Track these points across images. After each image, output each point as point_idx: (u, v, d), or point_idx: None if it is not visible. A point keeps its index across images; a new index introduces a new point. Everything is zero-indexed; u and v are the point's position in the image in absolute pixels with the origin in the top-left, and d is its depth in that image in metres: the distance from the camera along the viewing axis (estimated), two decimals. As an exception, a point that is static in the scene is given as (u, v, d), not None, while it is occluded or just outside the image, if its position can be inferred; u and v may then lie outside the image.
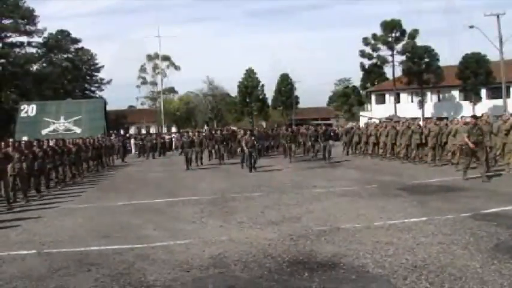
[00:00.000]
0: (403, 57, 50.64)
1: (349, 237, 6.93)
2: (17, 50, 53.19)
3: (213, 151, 23.14)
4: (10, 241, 7.78)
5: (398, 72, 51.98)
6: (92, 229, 8.43)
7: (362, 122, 46.28)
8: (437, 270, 5.24)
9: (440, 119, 22.06)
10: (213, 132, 26.00)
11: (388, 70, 55.45)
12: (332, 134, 30.09)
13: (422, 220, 7.92)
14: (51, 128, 34.17)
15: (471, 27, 35.78)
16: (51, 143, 15.35)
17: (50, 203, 11.79)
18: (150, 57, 65.57)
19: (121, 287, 5.19)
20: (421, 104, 50.71)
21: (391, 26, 50.76)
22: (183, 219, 9.02)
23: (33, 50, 55.72)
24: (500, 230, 6.99)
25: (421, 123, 20.38)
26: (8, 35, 51.71)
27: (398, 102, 53.99)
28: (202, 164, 20.99)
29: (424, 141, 17.49)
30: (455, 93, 52.67)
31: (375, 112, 56.28)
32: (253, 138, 18.00)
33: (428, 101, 54.27)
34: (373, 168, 16.88)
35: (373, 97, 62.04)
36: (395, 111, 49.75)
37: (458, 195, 10.40)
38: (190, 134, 22.99)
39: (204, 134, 24.30)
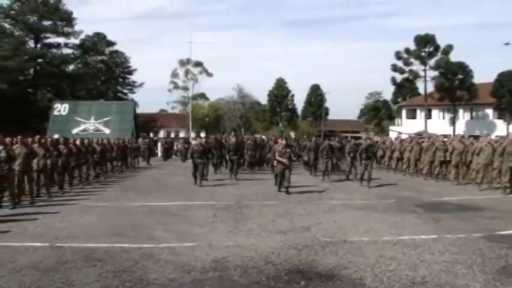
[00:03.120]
0: (436, 73, 49.98)
1: (354, 250, 6.93)
2: (54, 50, 54.77)
3: (223, 162, 20.75)
4: (27, 233, 8.08)
5: (431, 88, 51.36)
6: (105, 227, 8.67)
7: (392, 136, 45.73)
8: (435, 288, 5.21)
9: (474, 137, 21.40)
10: (221, 139, 22.73)
11: (420, 85, 54.82)
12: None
13: (432, 238, 7.85)
14: (82, 127, 34.99)
15: (507, 44, 35.14)
16: (77, 142, 15.74)
17: (70, 200, 12.14)
18: (182, 63, 66.65)
19: (121, 283, 5.35)
20: (453, 121, 49.78)
21: (425, 41, 50.14)
22: (194, 222, 9.17)
23: (70, 51, 57.36)
24: (511, 252, 6.87)
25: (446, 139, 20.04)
26: (47, 35, 53.30)
27: (430, 118, 53.21)
28: (207, 179, 16.85)
29: (448, 158, 17.24)
30: (489, 111, 51.44)
31: (405, 127, 55.43)
32: (288, 150, 13.91)
33: (461, 118, 53.16)
34: (394, 184, 16.69)
35: (403, 112, 61.32)
36: (426, 127, 48.97)
37: (475, 214, 10.24)
38: (195, 141, 18.22)
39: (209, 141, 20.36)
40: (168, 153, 32.68)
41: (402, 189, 14.85)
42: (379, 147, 23.46)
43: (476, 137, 21.05)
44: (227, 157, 19.40)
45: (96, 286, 5.23)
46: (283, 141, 14.52)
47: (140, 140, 30.48)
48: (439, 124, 50.77)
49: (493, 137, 20.08)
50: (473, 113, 54.24)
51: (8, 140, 11.95)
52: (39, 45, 53.02)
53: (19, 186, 11.46)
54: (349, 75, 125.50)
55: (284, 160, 13.43)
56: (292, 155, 14.33)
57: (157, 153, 34.08)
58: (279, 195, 13.15)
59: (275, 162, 14.32)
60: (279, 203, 11.82)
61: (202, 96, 73.54)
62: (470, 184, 16.07)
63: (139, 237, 7.83)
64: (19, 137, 12.20)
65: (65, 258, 6.37)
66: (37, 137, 13.42)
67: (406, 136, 33.46)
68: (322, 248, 7.09)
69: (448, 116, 52.66)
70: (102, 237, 7.72)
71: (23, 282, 5.35)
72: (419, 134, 40.59)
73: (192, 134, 46.42)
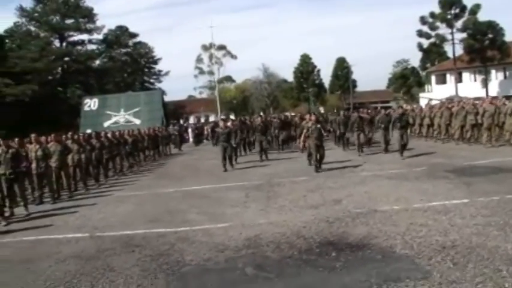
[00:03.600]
0: (464, 35, 48.51)
1: (384, 219, 6.99)
2: (79, 47, 55.80)
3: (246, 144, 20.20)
4: (68, 226, 8.46)
5: (460, 50, 49.94)
6: (141, 214, 8.98)
7: (422, 103, 44.84)
8: (466, 251, 5.25)
9: (507, 97, 20.64)
10: (245, 120, 22.79)
11: (448, 49, 53.33)
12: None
13: (464, 202, 7.81)
14: (113, 120, 35.69)
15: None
16: (109, 135, 16.14)
17: (107, 191, 12.57)
18: (205, 48, 66.87)
19: (159, 266, 5.60)
20: (485, 83, 48.40)
21: (450, 3, 48.59)
22: (226, 203, 9.38)
23: (94, 47, 58.32)
24: (545, 212, 6.80)
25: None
26: (71, 34, 54.26)
27: (460, 81, 51.86)
28: (236, 162, 16.10)
29: (479, 121, 16.89)
30: (524, 69, 49.88)
31: (436, 93, 54.22)
32: (318, 126, 13.23)
33: (493, 79, 51.60)
34: (426, 151, 16.46)
35: (433, 78, 59.91)
36: (456, 92, 47.79)
37: (507, 176, 10.06)
38: (221, 123, 16.71)
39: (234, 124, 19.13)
40: (198, 138, 33.05)
41: (433, 156, 14.68)
42: (408, 115, 23.17)
43: (510, 97, 20.51)
44: (254, 138, 18.99)
45: (135, 270, 5.49)
46: (313, 117, 13.80)
47: (170, 127, 30.93)
48: (470, 87, 49.40)
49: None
50: (507, 73, 52.54)
51: (43, 139, 12.40)
52: (64, 44, 54.06)
53: (57, 182, 11.91)
54: (375, 45, 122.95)
55: (313, 139, 12.81)
56: (323, 132, 13.60)
57: (188, 139, 34.50)
58: (310, 170, 13.17)
59: (301, 141, 13.74)
60: (309, 178, 11.90)
61: (229, 79, 73.82)
62: (504, 146, 15.74)
63: (174, 221, 8.08)
64: (53, 135, 12.63)
65: (105, 246, 6.67)
66: (70, 133, 13.86)
67: (437, 102, 32.83)
68: (353, 219, 7.17)
69: (479, 78, 51.22)
70: (139, 224, 8.01)
71: (68, 270, 5.66)
72: (450, 99, 39.74)
73: (223, 117, 46.69)
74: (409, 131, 18.11)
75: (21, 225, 8.84)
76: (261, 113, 56.16)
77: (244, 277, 5.04)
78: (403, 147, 14.64)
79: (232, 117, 60.01)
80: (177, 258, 5.84)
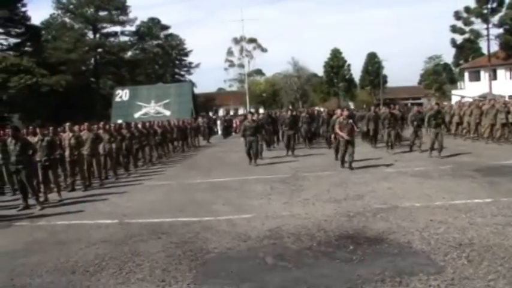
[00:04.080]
0: (500, 30, 47.32)
1: (405, 216, 7.09)
2: (112, 39, 56.93)
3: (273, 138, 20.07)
4: (98, 212, 8.85)
5: (495, 47, 48.77)
6: (168, 203, 9.30)
7: (454, 100, 44.06)
8: (482, 249, 5.33)
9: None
10: (272, 114, 22.60)
11: (483, 45, 52.16)
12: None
13: (486, 201, 7.82)
14: (143, 111, 36.37)
15: None
16: (139, 126, 16.58)
17: (136, 180, 12.98)
18: (236, 40, 67.29)
19: (183, 252, 5.87)
20: (521, 80, 47.20)
21: (487, -3, 47.45)
22: (252, 195, 9.60)
23: (126, 39, 59.42)
24: None
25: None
26: (104, 25, 55.37)
27: (495, 79, 50.68)
28: (262, 158, 15.77)
29: (511, 120, 16.64)
30: None
31: (468, 90, 53.11)
32: (350, 121, 12.69)
33: (530, 76, 50.34)
34: (453, 149, 16.30)
35: (466, 74, 58.68)
36: (490, 89, 46.75)
37: (535, 177, 9.99)
38: (249, 116, 15.79)
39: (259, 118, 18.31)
40: (227, 130, 33.39)
41: (461, 155, 14.54)
42: (445, 112, 22.85)
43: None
44: (281, 132, 18.80)
45: (160, 255, 5.77)
46: (345, 113, 13.01)
47: (200, 119, 31.36)
48: (505, 85, 48.24)
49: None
50: (545, 71, 51.15)
51: (75, 127, 12.88)
52: (97, 36, 55.22)
53: (89, 170, 12.38)
54: (407, 40, 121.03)
55: (344, 134, 12.29)
56: (355, 127, 12.98)
57: (217, 132, 34.89)
58: (335, 165, 13.23)
59: (333, 136, 13.54)
60: (335, 173, 12.01)
61: (259, 72, 74.15)
62: (535, 145, 15.50)
63: (199, 211, 8.35)
64: (86, 124, 13.10)
65: (133, 232, 6.99)
66: (101, 123, 14.32)
67: (469, 100, 32.24)
68: (373, 214, 7.30)
69: (515, 75, 50.02)
70: (166, 213, 8.32)
71: (97, 254, 6.00)
72: (483, 97, 38.95)
73: (252, 111, 47.02)
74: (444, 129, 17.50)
75: (54, 210, 9.28)
76: (290, 107, 56.29)
77: (264, 266, 5.26)
78: (440, 147, 13.84)
79: (261, 110, 60.31)
80: (200, 246, 6.10)
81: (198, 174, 13.57)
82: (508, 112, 16.72)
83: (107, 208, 9.17)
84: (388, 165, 12.83)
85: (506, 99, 19.28)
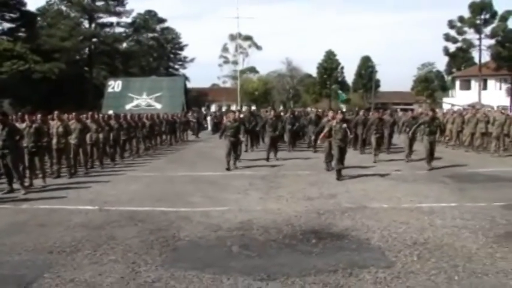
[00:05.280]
0: (492, 41, 48.03)
1: (371, 215, 7.49)
2: (107, 29, 56.82)
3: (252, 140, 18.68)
4: (80, 199, 9.17)
5: (487, 57, 49.49)
6: (149, 193, 9.64)
7: (445, 108, 44.66)
8: (434, 248, 5.73)
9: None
10: (253, 112, 21.11)
11: (476, 55, 52.82)
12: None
13: (451, 205, 8.24)
14: (135, 103, 36.53)
15: None
16: (128, 117, 16.83)
17: (121, 171, 13.28)
18: (232, 37, 67.53)
19: (156, 238, 6.23)
20: (510, 92, 47.89)
21: (481, 8, 48.11)
22: (230, 190, 9.97)
23: (122, 30, 59.34)
24: (522, 219, 7.21)
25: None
26: (100, 16, 55.32)
27: (485, 89, 51.44)
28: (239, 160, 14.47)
29: (490, 130, 17.10)
30: (551, 81, 49.20)
31: (459, 99, 53.80)
32: (344, 126, 11.45)
33: (519, 88, 51.03)
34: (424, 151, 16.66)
35: (457, 83, 59.48)
36: (480, 99, 47.43)
37: (503, 185, 10.44)
38: (230, 115, 14.75)
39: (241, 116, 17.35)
40: (217, 126, 33.60)
41: (439, 161, 14.84)
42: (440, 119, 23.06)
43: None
44: (263, 133, 17.50)
45: (134, 241, 6.12)
46: (339, 116, 11.77)
47: (190, 114, 31.61)
48: (495, 95, 48.93)
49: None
50: (534, 83, 51.93)
51: (65, 116, 13.15)
52: (93, 25, 55.13)
53: (75, 158, 12.66)
54: (401, 45, 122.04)
55: (336, 140, 11.30)
56: (348, 132, 11.64)
57: (206, 127, 35.15)
58: (315, 166, 13.61)
59: (319, 139, 12.33)
60: (313, 173, 12.38)
61: (253, 70, 74.42)
62: (511, 156, 15.95)
63: (178, 202, 8.70)
64: (74, 114, 13.38)
65: (111, 219, 7.33)
66: (89, 113, 14.59)
67: (459, 108, 32.72)
68: (342, 212, 7.69)
69: (505, 86, 50.71)
70: (145, 202, 8.66)
71: (75, 236, 6.33)
72: (472, 106, 39.54)
73: (244, 108, 47.31)
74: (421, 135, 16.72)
75: (38, 195, 9.58)
76: (280, 107, 56.59)
77: (229, 253, 5.63)
78: (431, 156, 13.07)
79: (253, 107, 60.56)
80: (173, 234, 6.45)
81: (182, 167, 13.90)
82: (488, 122, 17.17)
83: (89, 195, 9.48)
84: (367, 168, 13.18)
85: (495, 109, 19.62)
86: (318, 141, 12.73)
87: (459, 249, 5.65)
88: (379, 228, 6.66)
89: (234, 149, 13.45)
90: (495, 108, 21.68)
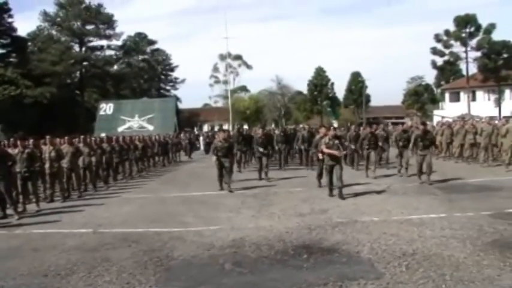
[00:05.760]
0: (478, 54, 48.81)
1: (361, 229, 7.61)
2: (98, 52, 57.44)
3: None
4: (74, 222, 9.22)
5: (474, 69, 50.27)
6: (142, 215, 9.72)
7: (435, 120, 45.12)
8: (422, 258, 5.86)
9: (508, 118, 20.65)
10: (242, 131, 20.78)
11: (463, 67, 53.60)
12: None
13: (440, 216, 8.39)
14: (127, 125, 36.79)
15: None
16: (120, 140, 16.94)
17: (114, 193, 13.35)
18: (222, 57, 68.08)
19: (150, 258, 6.31)
20: (498, 102, 48.55)
21: (465, 21, 48.95)
22: (222, 209, 10.06)
23: (112, 53, 59.89)
24: (509, 227, 7.37)
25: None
26: (90, 39, 55.82)
27: (474, 100, 52.14)
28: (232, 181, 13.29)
29: (479, 140, 17.35)
30: (539, 91, 50.05)
31: (449, 111, 54.42)
32: (337, 142, 11.04)
33: (507, 98, 51.71)
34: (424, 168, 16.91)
35: (447, 95, 60.27)
36: (469, 110, 48.00)
37: (491, 195, 10.60)
38: (220, 135, 13.87)
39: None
40: (209, 146, 33.62)
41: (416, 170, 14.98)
42: (412, 132, 23.48)
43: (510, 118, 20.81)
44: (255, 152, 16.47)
45: (128, 262, 6.19)
46: (331, 132, 11.43)
47: (182, 135, 31.74)
48: (484, 106, 49.55)
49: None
50: (521, 93, 52.69)
51: (57, 140, 13.25)
52: (83, 49, 55.61)
53: (68, 182, 12.73)
54: (390, 60, 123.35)
55: (335, 152, 10.84)
56: (341, 148, 11.12)
57: (199, 147, 35.24)
58: (307, 182, 13.71)
59: (320, 156, 11.65)
60: (304, 189, 12.47)
61: (243, 88, 74.89)
62: (500, 166, 16.16)
63: (171, 222, 8.79)
64: (66, 138, 13.48)
65: (105, 241, 7.40)
66: (81, 137, 14.69)
67: (447, 120, 33.10)
68: (333, 227, 7.80)
69: (493, 97, 51.41)
70: (139, 224, 8.73)
71: (69, 259, 6.40)
72: (462, 117, 40.01)
73: (225, 128, 47.60)
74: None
75: (32, 220, 9.63)
76: (272, 125, 56.88)
77: (222, 271, 5.72)
78: (429, 170, 12.67)
79: (245, 126, 60.82)
80: (167, 254, 6.53)
81: (174, 188, 13.97)
82: (476, 133, 17.44)
83: (82, 219, 9.54)
84: (358, 182, 13.28)
85: (483, 120, 19.85)
86: (318, 156, 12.02)
87: (447, 259, 5.77)
88: (369, 241, 6.78)
89: (226, 169, 12.91)
90: (483, 119, 21.88)
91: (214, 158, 13.02)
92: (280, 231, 7.64)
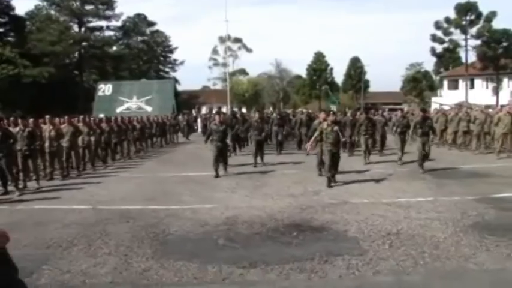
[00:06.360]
0: (478, 42, 48.90)
1: (350, 210, 7.93)
2: (97, 33, 57.20)
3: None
4: (74, 199, 9.53)
5: (474, 57, 50.41)
6: (140, 193, 10.03)
7: (433, 107, 45.32)
8: (405, 237, 6.18)
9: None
10: (236, 114, 20.08)
11: (462, 54, 53.72)
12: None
13: (428, 200, 8.70)
14: (125, 106, 36.92)
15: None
16: (119, 120, 17.17)
17: (112, 172, 13.65)
18: (222, 40, 67.85)
19: (147, 233, 6.62)
20: (496, 91, 48.76)
21: (466, 9, 48.92)
22: (218, 189, 10.38)
23: (112, 33, 59.67)
24: (491, 211, 7.71)
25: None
26: (89, 20, 55.53)
27: (472, 88, 52.35)
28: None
29: (472, 128, 17.64)
30: (536, 79, 50.24)
31: (447, 98, 54.53)
32: (336, 128, 10.55)
33: (505, 87, 51.84)
34: (414, 153, 17.13)
35: (445, 82, 60.42)
36: (467, 98, 48.19)
37: (479, 180, 10.92)
38: (216, 118, 13.38)
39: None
40: (207, 128, 33.92)
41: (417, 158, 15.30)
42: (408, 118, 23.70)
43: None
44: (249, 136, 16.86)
45: (126, 236, 6.50)
46: (330, 118, 10.91)
47: (180, 116, 31.94)
48: (482, 94, 49.72)
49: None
50: (519, 82, 52.89)
51: (56, 120, 13.48)
52: (82, 29, 55.38)
53: (67, 161, 13.01)
54: (390, 46, 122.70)
55: (328, 144, 10.43)
56: (341, 135, 10.75)
57: (197, 129, 35.45)
58: (302, 165, 14.00)
59: (309, 144, 11.36)
60: (299, 171, 12.79)
61: (242, 72, 74.81)
62: (492, 153, 16.45)
63: (168, 201, 9.10)
64: (66, 117, 13.72)
65: (104, 217, 7.71)
66: (81, 116, 14.93)
67: (447, 107, 33.27)
68: (323, 208, 8.12)
69: (491, 85, 51.59)
70: (137, 201, 9.04)
71: (70, 233, 6.70)
72: (459, 105, 40.22)
73: (222, 111, 47.66)
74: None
75: (33, 196, 9.93)
76: (270, 108, 56.97)
77: (215, 246, 6.04)
78: (425, 157, 12.61)
79: (243, 110, 60.94)
80: (163, 229, 6.84)
81: (172, 168, 14.27)
82: (469, 121, 17.72)
83: (82, 196, 9.84)
84: (351, 166, 13.44)
85: (482, 108, 20.09)
86: (308, 148, 11.69)
87: (428, 238, 6.09)
88: (356, 221, 7.09)
89: (222, 154, 12.49)
90: (483, 107, 22.16)
91: (209, 142, 12.71)
92: (273, 211, 7.94)
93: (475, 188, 9.84)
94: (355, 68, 71.45)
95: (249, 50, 72.46)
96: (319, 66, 68.06)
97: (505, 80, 52.16)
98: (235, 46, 70.94)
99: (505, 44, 47.29)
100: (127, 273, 5.10)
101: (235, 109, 39.55)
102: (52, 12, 54.78)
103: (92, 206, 8.59)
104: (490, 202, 8.38)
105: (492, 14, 48.00)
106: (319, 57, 68.58)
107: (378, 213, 7.62)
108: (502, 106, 18.32)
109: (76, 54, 54.95)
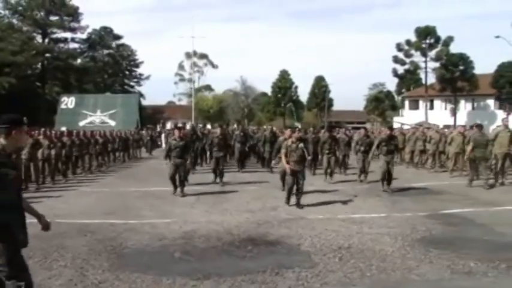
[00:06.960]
0: (437, 64, 50.81)
1: (306, 225, 8.18)
2: (61, 45, 56.50)
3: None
4: (31, 213, 9.40)
5: (433, 79, 52.31)
6: (100, 207, 10.01)
7: (395, 127, 46.45)
8: (355, 251, 6.46)
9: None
10: (195, 130, 19.71)
11: (423, 76, 55.63)
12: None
13: (381, 216, 9.06)
14: (88, 120, 36.54)
15: (497, 37, 36.18)
16: (80, 134, 17.05)
17: (72, 186, 13.54)
18: (188, 55, 68.14)
19: (104, 247, 6.67)
20: (454, 112, 50.62)
21: (426, 33, 50.93)
22: (177, 204, 10.48)
23: (76, 46, 59.08)
24: (439, 226, 8.12)
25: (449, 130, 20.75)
26: (54, 31, 54.82)
27: (432, 108, 54.24)
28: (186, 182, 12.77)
29: (428, 147, 18.33)
30: (490, 102, 52.52)
31: (408, 118, 56.15)
32: (301, 145, 10.17)
33: (462, 108, 54.01)
34: (376, 172, 17.64)
35: (406, 102, 62.34)
36: (426, 118, 49.78)
37: (432, 197, 11.42)
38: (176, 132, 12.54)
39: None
40: (168, 144, 33.83)
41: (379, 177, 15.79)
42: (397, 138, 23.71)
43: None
44: (208, 153, 16.73)
45: (83, 249, 6.54)
46: (296, 135, 10.54)
47: (144, 131, 31.82)
48: (440, 115, 51.58)
49: (493, 126, 20.87)
50: (475, 104, 55.14)
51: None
52: (46, 40, 54.56)
53: (26, 174, 12.81)
54: (354, 66, 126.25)
55: (288, 166, 10.04)
56: (306, 153, 10.26)
57: (160, 144, 35.31)
58: (262, 181, 14.27)
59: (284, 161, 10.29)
60: (259, 188, 13.02)
61: (208, 87, 75.16)
62: (446, 171, 17.11)
63: (127, 215, 9.13)
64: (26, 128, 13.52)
65: (62, 230, 7.66)
66: (42, 129, 14.77)
67: (408, 127, 34.29)
68: (280, 223, 8.34)
69: (449, 106, 53.52)
70: (96, 215, 9.04)
71: (28, 246, 6.65)
72: (419, 125, 41.50)
73: (180, 125, 47.53)
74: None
75: (-12, 210, 9.74)
76: (234, 125, 57.24)
77: (171, 259, 6.16)
78: (390, 177, 12.49)
79: (208, 126, 60.83)
80: (121, 243, 6.91)
81: (133, 183, 14.26)
82: (425, 140, 18.42)
83: (40, 209, 9.24)
84: (312, 184, 13.57)
85: (437, 127, 20.93)
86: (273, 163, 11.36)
87: (377, 252, 6.39)
88: (310, 235, 7.34)
89: (180, 170, 11.81)
90: (438, 127, 23.06)
91: (167, 159, 12.18)
92: (230, 225, 8.11)
93: (427, 205, 10.30)
94: (320, 87, 72.79)
95: (215, 66, 73.27)
96: (284, 84, 69.05)
97: (462, 102, 54.33)
98: (201, 62, 71.68)
99: (461, 67, 49.29)
100: (82, 285, 5.16)
101: (200, 125, 39.63)
102: (15, 21, 53.80)
103: (50, 220, 8.46)
104: (439, 218, 8.82)
105: (449, 39, 50.15)
106: (284, 75, 69.64)
107: (332, 228, 7.90)
108: (462, 126, 18.70)
109: (39, 66, 53.99)
